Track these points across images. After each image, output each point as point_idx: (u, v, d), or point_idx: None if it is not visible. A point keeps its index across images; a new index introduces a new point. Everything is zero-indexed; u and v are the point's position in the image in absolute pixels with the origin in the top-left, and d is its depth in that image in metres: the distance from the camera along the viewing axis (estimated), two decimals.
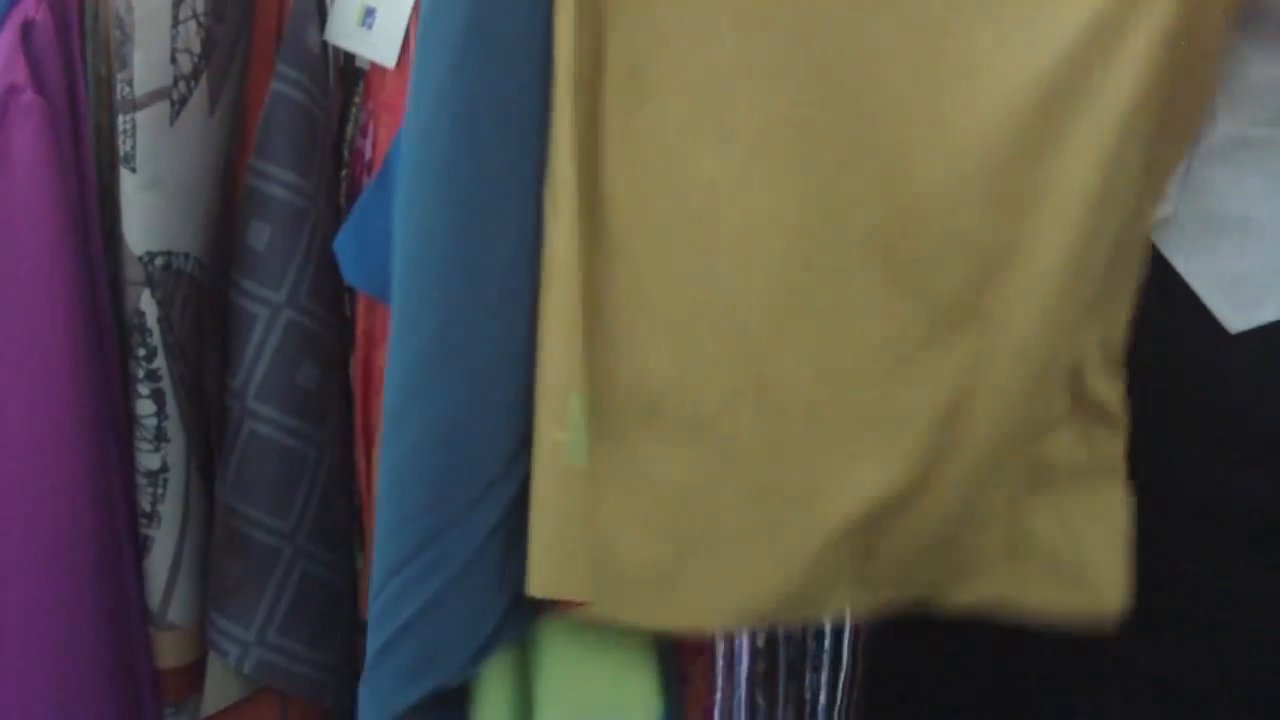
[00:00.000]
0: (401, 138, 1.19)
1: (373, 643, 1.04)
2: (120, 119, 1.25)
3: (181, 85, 1.28)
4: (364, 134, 1.33)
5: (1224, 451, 1.05)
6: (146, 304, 1.28)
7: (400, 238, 1.02)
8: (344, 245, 1.28)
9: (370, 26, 1.31)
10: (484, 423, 1.01)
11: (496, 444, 1.02)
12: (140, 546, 1.33)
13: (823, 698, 1.43)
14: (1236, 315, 1.02)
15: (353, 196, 1.33)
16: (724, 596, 1.04)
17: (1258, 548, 1.05)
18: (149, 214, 1.28)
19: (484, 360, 1.01)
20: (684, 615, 1.05)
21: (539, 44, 0.98)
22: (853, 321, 0.99)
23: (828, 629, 1.41)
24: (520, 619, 1.05)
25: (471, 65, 0.98)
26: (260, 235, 1.30)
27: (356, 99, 1.34)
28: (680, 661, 1.34)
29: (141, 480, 1.32)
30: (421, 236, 1.01)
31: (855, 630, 1.39)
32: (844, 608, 1.16)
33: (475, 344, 1.00)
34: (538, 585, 1.00)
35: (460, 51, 0.98)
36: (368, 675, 1.05)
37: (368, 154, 1.33)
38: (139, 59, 1.24)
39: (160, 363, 1.30)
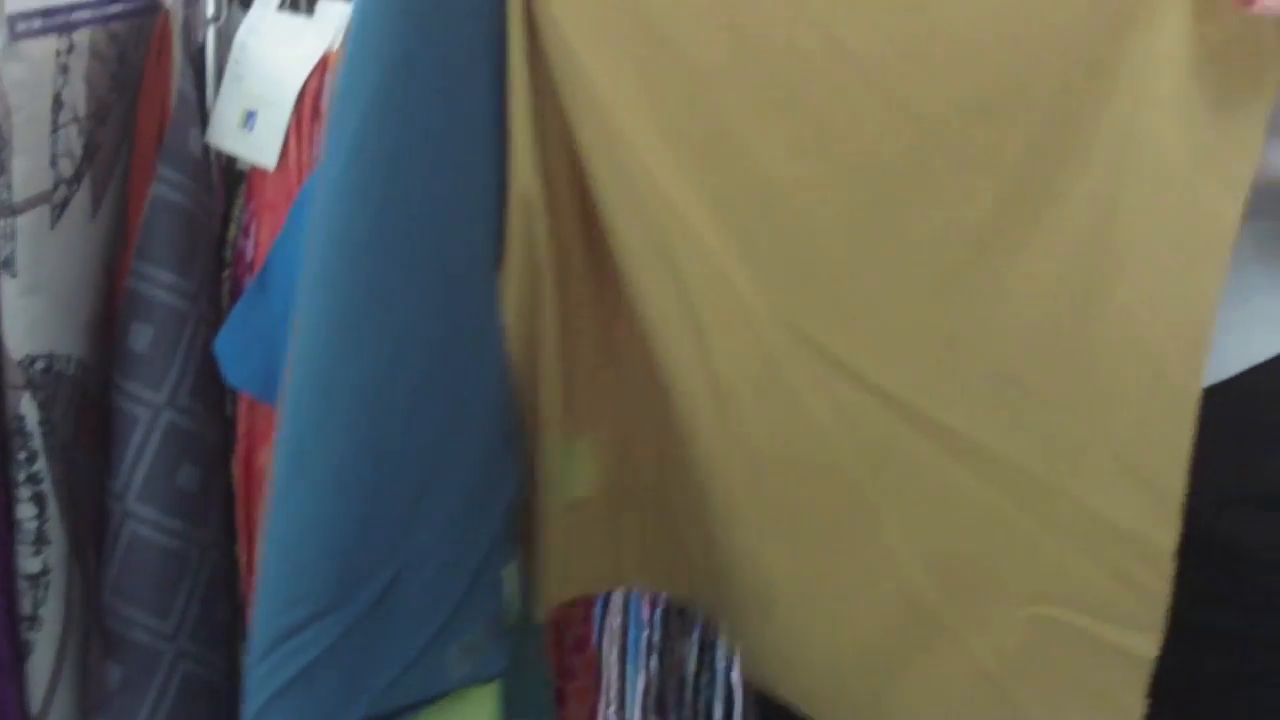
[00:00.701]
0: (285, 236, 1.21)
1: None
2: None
3: (63, 189, 1.29)
4: (246, 234, 1.34)
5: None
6: (27, 407, 1.27)
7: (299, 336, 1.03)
8: (225, 346, 1.29)
9: (251, 128, 1.32)
10: (347, 525, 1.02)
11: (363, 544, 1.03)
12: (20, 650, 1.31)
13: None
14: None
15: (235, 297, 1.33)
16: None
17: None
18: (30, 318, 1.27)
19: (347, 465, 1.01)
20: None
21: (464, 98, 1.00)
22: None
23: (718, 714, 1.42)
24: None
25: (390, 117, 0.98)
26: (141, 336, 1.30)
27: (239, 200, 1.35)
28: None
29: (22, 584, 1.30)
30: (306, 338, 1.02)
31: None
32: None
33: (341, 450, 1.01)
34: None
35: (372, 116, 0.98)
36: None
37: (249, 254, 1.33)
38: (18, 164, 1.24)
39: (41, 465, 1.29)
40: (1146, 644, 0.96)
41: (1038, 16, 0.90)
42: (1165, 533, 0.94)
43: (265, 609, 1.02)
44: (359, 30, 0.98)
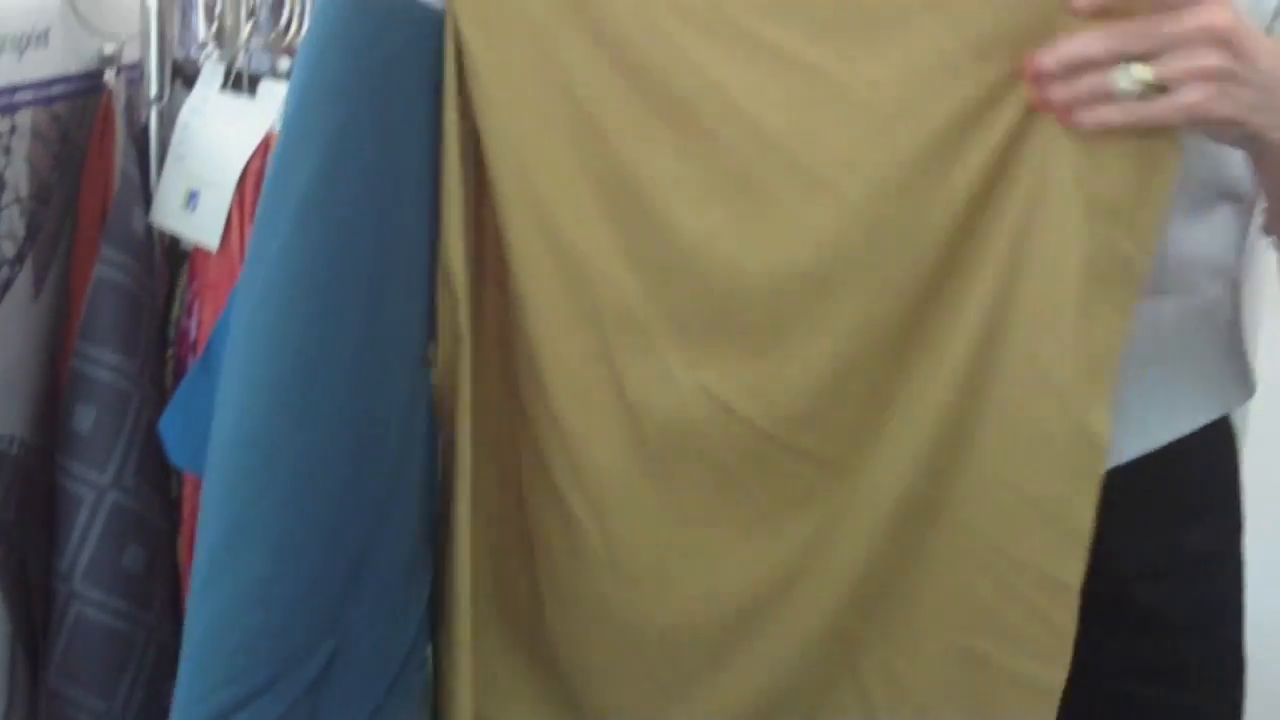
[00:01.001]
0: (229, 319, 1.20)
1: None
2: None
3: (5, 270, 1.29)
4: (189, 314, 1.34)
5: None
6: None
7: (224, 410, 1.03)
8: (169, 426, 1.29)
9: (194, 209, 1.33)
10: (290, 597, 1.01)
11: (304, 617, 1.02)
12: None
13: None
14: None
15: (178, 376, 1.34)
16: None
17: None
18: None
19: (290, 535, 1.00)
20: None
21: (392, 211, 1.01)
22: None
23: None
24: None
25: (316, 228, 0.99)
26: (85, 417, 1.30)
27: (182, 279, 1.36)
28: None
29: None
30: (246, 409, 1.01)
31: None
32: None
33: (283, 519, 1.00)
34: None
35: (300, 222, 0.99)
36: None
37: (193, 334, 1.34)
38: None
39: None
40: (1052, 675, 0.97)
41: (943, 101, 0.92)
42: (1070, 569, 0.96)
43: (196, 689, 1.00)
44: (297, 111, 0.99)
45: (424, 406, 1.06)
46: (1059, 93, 0.88)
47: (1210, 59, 0.84)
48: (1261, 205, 1.04)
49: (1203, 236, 1.04)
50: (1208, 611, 1.08)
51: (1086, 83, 0.87)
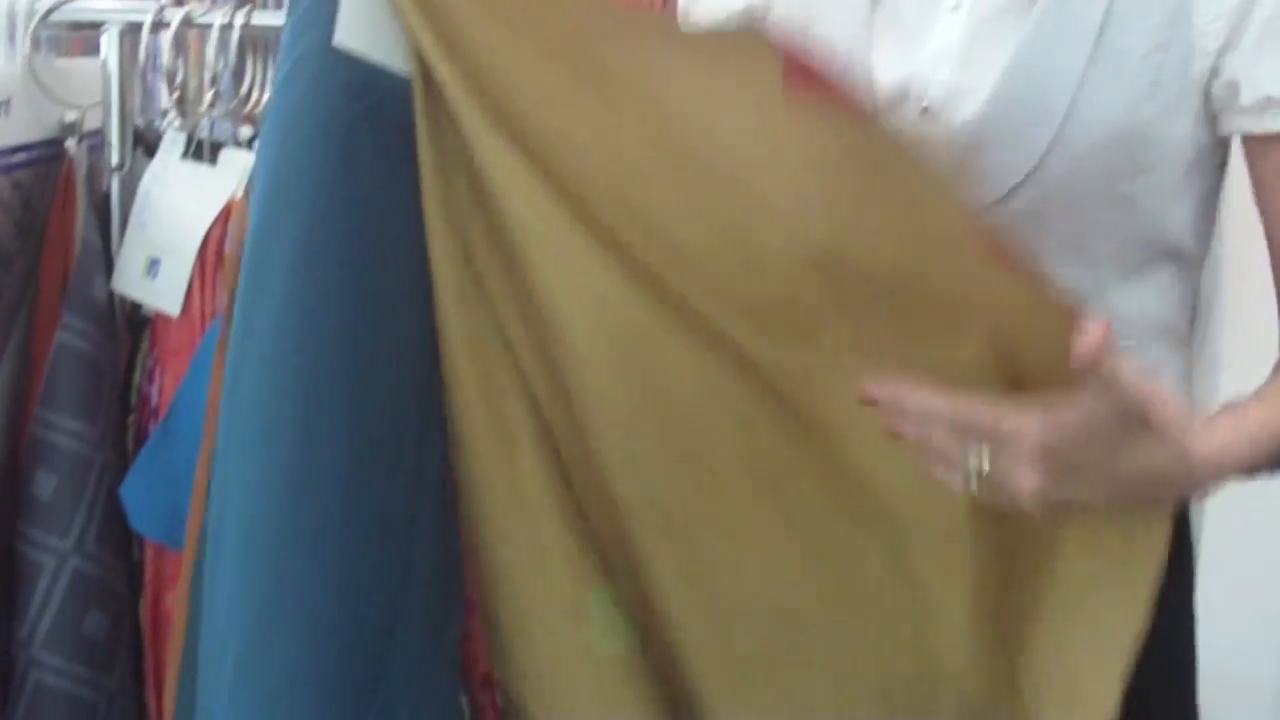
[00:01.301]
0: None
1: None
2: None
3: None
4: (150, 380, 1.35)
5: None
6: None
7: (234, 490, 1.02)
8: (130, 492, 1.29)
9: (155, 276, 1.33)
10: (331, 670, 1.01)
11: (346, 687, 1.02)
12: None
13: None
14: None
15: (140, 442, 1.34)
16: None
17: None
18: None
19: (320, 608, 1.01)
20: None
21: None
22: None
23: None
24: None
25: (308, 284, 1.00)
26: (46, 484, 1.30)
27: (143, 346, 1.36)
28: None
29: None
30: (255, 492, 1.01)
31: None
32: None
33: (313, 594, 1.00)
34: None
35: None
36: None
37: (154, 400, 1.34)
38: None
39: None
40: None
41: None
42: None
43: None
44: (272, 179, 0.99)
45: (435, 459, 1.06)
46: (910, 430, 0.91)
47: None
48: None
49: (1144, 296, 1.06)
50: (1159, 672, 1.09)
51: (938, 440, 0.90)
